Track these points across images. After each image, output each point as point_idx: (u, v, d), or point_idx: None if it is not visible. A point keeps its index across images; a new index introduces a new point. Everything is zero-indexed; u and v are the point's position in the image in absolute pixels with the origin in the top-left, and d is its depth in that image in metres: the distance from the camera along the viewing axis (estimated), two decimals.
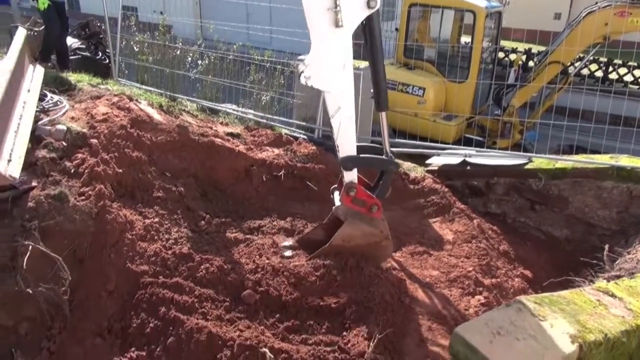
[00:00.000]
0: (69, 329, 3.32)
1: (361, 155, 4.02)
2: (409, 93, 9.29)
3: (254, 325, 3.56)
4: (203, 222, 4.51)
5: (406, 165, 6.58)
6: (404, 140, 7.02)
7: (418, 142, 6.92)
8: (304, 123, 6.58)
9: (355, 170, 4.03)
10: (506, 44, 10.82)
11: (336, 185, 4.33)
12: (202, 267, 3.85)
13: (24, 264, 3.22)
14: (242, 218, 4.86)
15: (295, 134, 6.40)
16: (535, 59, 10.49)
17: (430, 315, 4.06)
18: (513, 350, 2.11)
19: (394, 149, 6.93)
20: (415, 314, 3.99)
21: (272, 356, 3.07)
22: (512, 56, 10.93)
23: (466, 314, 4.14)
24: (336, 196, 4.20)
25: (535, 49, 10.63)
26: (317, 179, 5.52)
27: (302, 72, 3.67)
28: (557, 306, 2.52)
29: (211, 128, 5.75)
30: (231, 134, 5.80)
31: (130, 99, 5.24)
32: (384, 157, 4.13)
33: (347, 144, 3.92)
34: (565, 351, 2.13)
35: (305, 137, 6.35)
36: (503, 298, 4.42)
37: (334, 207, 4.16)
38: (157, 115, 5.25)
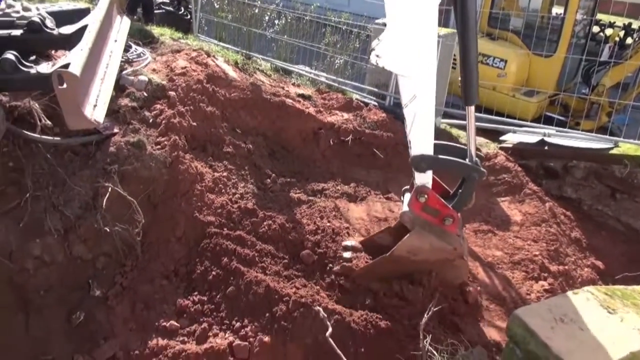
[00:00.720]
0: (140, 268, 3.56)
1: (439, 157, 3.31)
2: (489, 65, 8.82)
3: (309, 284, 3.64)
4: (269, 180, 4.61)
5: (478, 140, 6.32)
6: (479, 114, 6.71)
7: (493, 117, 6.60)
8: (375, 89, 6.45)
9: (429, 173, 3.36)
10: (603, 17, 9.90)
11: (408, 187, 3.70)
12: (264, 223, 3.97)
13: (104, 205, 3.46)
14: (306, 180, 4.92)
15: (366, 100, 6.31)
16: (635, 36, 9.56)
17: (488, 295, 3.97)
18: (575, 339, 2.01)
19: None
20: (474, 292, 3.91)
21: (326, 315, 3.13)
22: (609, 31, 10.02)
23: (527, 299, 4.00)
24: (405, 199, 3.58)
25: (635, 24, 9.68)
26: (384, 147, 5.45)
27: (373, 49, 3.14)
28: (630, 300, 2.37)
29: (283, 88, 5.79)
30: (302, 96, 5.81)
31: (208, 55, 5.36)
32: (467, 161, 3.38)
33: (421, 140, 3.26)
34: (635, 348, 2.00)
35: (376, 103, 6.24)
36: (569, 287, 4.21)
37: (400, 212, 3.55)
38: (232, 72, 5.35)
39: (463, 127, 6.70)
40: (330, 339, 2.81)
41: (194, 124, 4.34)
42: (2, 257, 3.18)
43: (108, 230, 3.44)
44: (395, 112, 6.09)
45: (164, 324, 3.28)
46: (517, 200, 5.25)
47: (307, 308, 3.34)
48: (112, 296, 3.38)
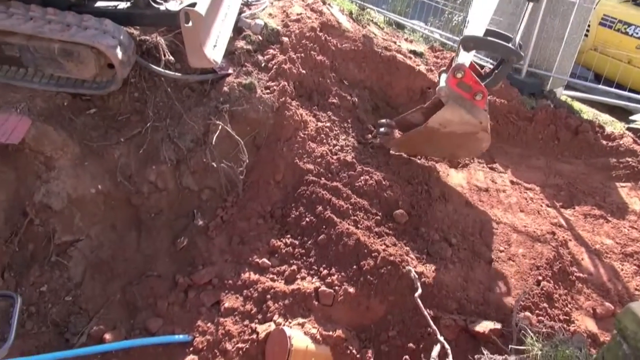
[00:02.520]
0: (239, 205, 3.75)
1: (486, 38, 3.77)
2: (629, 34, 7.82)
3: (400, 244, 3.62)
4: (370, 135, 4.56)
5: (603, 117, 5.74)
6: (608, 88, 6.06)
7: (625, 93, 5.92)
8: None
9: (472, 53, 3.79)
10: None
11: (444, 68, 4.09)
12: (361, 177, 3.96)
13: (213, 141, 3.65)
14: None
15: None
16: None
17: (590, 284, 3.69)
18: None
19: (595, 97, 6.09)
20: (575, 279, 3.66)
21: (417, 276, 3.08)
22: None
23: (635, 294, 3.68)
24: (442, 78, 3.89)
25: None
26: (496, 114, 5.13)
27: None
28: None
29: (395, 43, 5.60)
30: (414, 52, 5.59)
31: (324, 3, 5.30)
32: (509, 45, 3.76)
33: (478, 22, 3.74)
34: None
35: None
36: None
37: (437, 88, 3.83)
38: (345, 22, 5.25)
39: (586, 101, 6.11)
40: (419, 300, 2.79)
41: (303, 71, 4.36)
42: (123, 179, 3.51)
43: (215, 165, 3.64)
44: (512, 78, 5.68)
45: (257, 260, 3.45)
46: (639, 187, 4.74)
47: (395, 266, 3.34)
48: (212, 227, 3.62)
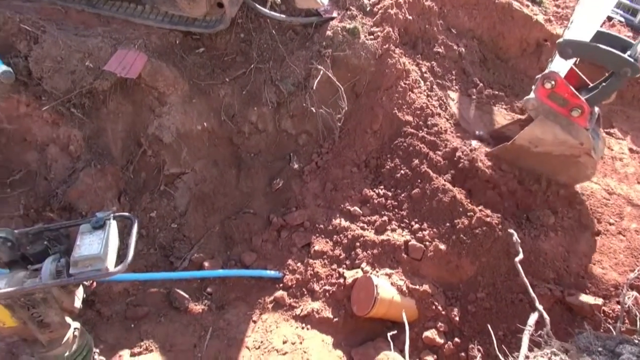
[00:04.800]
0: (335, 152, 3.76)
1: (589, 44, 2.93)
2: None
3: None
4: (474, 89, 4.31)
5: None
6: None
7: None
8: (627, 1, 5.34)
9: (570, 61, 3.11)
10: None
11: (539, 75, 3.33)
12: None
13: (314, 86, 3.64)
14: (516, 96, 4.48)
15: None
16: None
17: None
18: None
19: None
20: None
21: (519, 240, 2.93)
22: None
23: None
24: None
25: None
26: None
27: None
28: None
29: None
30: (533, 0, 5.10)
31: None
32: (622, 54, 2.90)
33: (583, 24, 2.96)
34: None
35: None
36: None
37: (524, 99, 3.28)
38: None
39: None
40: (519, 266, 2.66)
41: (410, 17, 4.15)
42: (227, 118, 3.63)
43: (314, 110, 3.65)
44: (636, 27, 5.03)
45: (348, 207, 3.48)
46: None
47: (491, 228, 3.21)
48: (307, 172, 3.68)
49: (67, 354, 2.05)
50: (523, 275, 2.63)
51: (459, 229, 3.23)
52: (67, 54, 3.20)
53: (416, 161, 3.55)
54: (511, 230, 3.01)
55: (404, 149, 3.65)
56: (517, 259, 2.74)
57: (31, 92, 3.20)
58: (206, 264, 3.26)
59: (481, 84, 4.35)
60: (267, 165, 3.77)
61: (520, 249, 2.83)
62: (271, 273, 3.23)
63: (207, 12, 3.50)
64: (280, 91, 3.69)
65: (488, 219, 3.23)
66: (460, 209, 3.29)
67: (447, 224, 3.28)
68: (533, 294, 2.58)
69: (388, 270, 3.18)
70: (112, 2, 3.61)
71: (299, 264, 3.29)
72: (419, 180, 3.48)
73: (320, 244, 3.33)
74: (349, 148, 3.75)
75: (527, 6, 4.91)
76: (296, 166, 3.71)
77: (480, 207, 3.32)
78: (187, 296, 3.09)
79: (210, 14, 3.54)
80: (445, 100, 4.09)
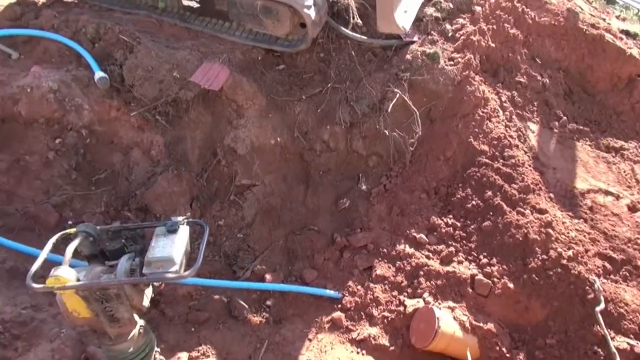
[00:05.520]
0: (404, 176, 3.70)
1: None
2: None
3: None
4: (557, 122, 4.11)
5: None
6: None
7: None
8: None
9: None
10: None
11: None
12: (542, 168, 3.61)
13: (389, 109, 3.62)
14: (602, 132, 4.23)
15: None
16: None
17: None
18: None
19: None
20: None
21: (601, 289, 2.72)
22: None
23: None
24: None
25: None
26: None
27: None
28: None
29: (604, 20, 4.88)
30: (626, 33, 4.82)
31: None
32: None
33: None
34: None
35: None
36: None
37: None
38: None
39: None
40: (599, 316, 2.47)
41: (492, 45, 4.05)
42: (300, 134, 3.69)
43: (387, 133, 3.62)
44: None
45: (414, 234, 3.40)
46: None
47: (566, 271, 3.02)
48: (375, 194, 3.64)
49: (131, 349, 2.12)
50: (604, 326, 2.43)
51: (531, 269, 3.06)
52: (157, 64, 3.41)
53: (489, 193, 3.41)
54: (593, 277, 2.80)
55: (477, 179, 3.53)
56: (597, 309, 2.54)
57: (122, 98, 3.43)
58: (268, 276, 3.29)
59: (565, 117, 4.14)
60: (335, 184, 3.78)
61: (602, 298, 2.63)
62: (330, 293, 3.21)
63: (290, 32, 3.60)
64: (354, 111, 3.70)
65: (564, 261, 3.03)
66: (536, 247, 3.12)
67: (519, 262, 3.12)
68: (614, 349, 2.37)
69: (451, 304, 3.06)
70: (202, 17, 3.80)
71: (359, 287, 3.24)
72: (491, 213, 3.34)
73: (382, 269, 3.27)
74: (419, 173, 3.68)
75: (621, 39, 4.65)
76: (364, 187, 3.68)
77: (556, 247, 3.14)
78: (246, 306, 3.13)
79: (292, 33, 3.64)
80: (524, 132, 3.93)
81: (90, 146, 3.42)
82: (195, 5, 3.76)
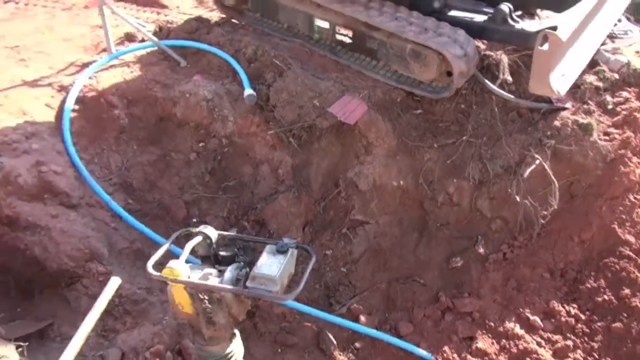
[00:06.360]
0: (528, 249, 3.41)
1: None
2: None
3: None
4: None
5: None
6: None
7: None
8: None
9: None
10: None
11: None
12: None
13: (525, 174, 3.38)
14: None
15: None
16: None
17: None
18: None
19: None
20: None
21: None
22: None
23: None
24: None
25: None
26: None
27: None
28: None
29: None
30: None
31: None
32: None
33: None
34: None
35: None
36: None
37: None
38: None
39: None
40: None
41: None
42: (424, 182, 3.60)
43: (518, 199, 3.37)
44: None
45: (528, 314, 3.10)
46: None
47: None
48: (492, 260, 3.40)
49: (220, 354, 2.18)
50: None
51: None
52: (301, 90, 3.59)
53: (627, 291, 3.00)
54: None
55: (615, 271, 3.12)
56: None
57: (264, 116, 3.67)
58: (362, 317, 3.21)
59: None
60: (451, 240, 3.60)
61: None
62: (423, 353, 3.03)
63: (434, 78, 3.57)
64: (486, 169, 3.52)
65: None
66: None
67: None
68: None
69: None
70: (352, 53, 3.93)
71: (455, 355, 3.01)
72: (626, 315, 2.92)
73: (485, 343, 3.01)
74: (546, 250, 3.36)
75: None
76: (481, 250, 3.46)
77: None
78: (335, 342, 3.08)
79: (437, 80, 3.60)
80: None
81: (226, 154, 3.69)
82: (348, 40, 3.90)
